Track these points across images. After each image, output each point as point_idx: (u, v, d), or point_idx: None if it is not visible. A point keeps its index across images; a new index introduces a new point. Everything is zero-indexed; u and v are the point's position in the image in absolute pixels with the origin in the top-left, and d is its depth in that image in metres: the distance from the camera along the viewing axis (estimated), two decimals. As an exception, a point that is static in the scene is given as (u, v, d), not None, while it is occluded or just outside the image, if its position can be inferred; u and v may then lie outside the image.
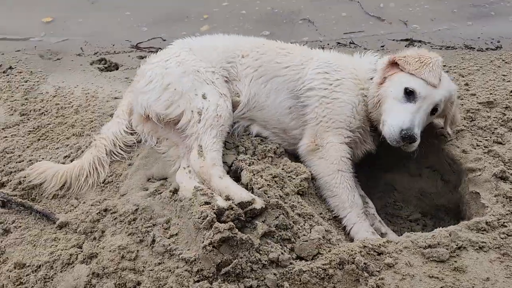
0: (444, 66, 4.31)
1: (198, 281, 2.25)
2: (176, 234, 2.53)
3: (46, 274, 2.46)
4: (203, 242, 2.29)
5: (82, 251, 2.53)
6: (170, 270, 2.33)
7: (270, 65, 3.23)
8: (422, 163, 3.51)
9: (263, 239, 2.46)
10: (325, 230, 2.62)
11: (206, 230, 2.33)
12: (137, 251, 2.48)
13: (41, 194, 3.02)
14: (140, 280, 2.34)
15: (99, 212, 2.76)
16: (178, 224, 2.59)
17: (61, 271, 2.46)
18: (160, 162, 3.09)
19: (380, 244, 2.51)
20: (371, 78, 3.11)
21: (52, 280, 2.44)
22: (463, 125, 3.38)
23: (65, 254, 2.52)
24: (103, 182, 3.03)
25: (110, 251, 2.47)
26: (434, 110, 2.94)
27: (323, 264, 2.39)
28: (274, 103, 3.19)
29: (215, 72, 3.18)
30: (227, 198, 2.56)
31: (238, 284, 2.26)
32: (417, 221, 3.44)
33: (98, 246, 2.55)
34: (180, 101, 3.04)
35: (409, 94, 2.86)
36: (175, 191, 2.82)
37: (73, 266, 2.46)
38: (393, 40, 5.11)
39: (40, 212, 2.83)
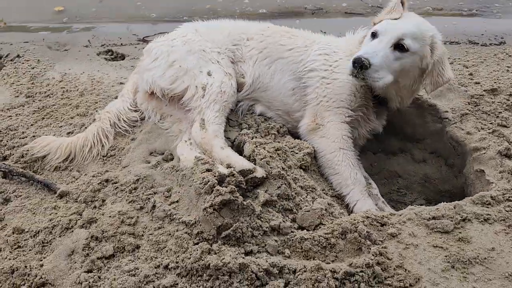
0: (449, 58, 4.34)
1: (197, 243, 2.21)
2: (177, 201, 2.51)
3: (44, 239, 2.43)
4: (203, 204, 2.26)
5: (81, 217, 2.51)
6: (169, 234, 2.30)
7: (275, 47, 3.26)
8: (426, 148, 3.49)
9: (265, 207, 2.43)
10: (328, 203, 2.59)
11: (207, 194, 2.31)
12: (137, 217, 2.45)
13: (43, 167, 3.02)
14: (139, 244, 2.31)
15: (100, 182, 2.74)
16: (179, 192, 2.57)
17: (59, 236, 2.44)
18: (163, 137, 3.09)
19: (383, 216, 2.47)
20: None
21: (50, 244, 2.41)
22: (467, 109, 3.37)
23: (64, 220, 2.49)
24: (105, 156, 3.03)
25: (109, 216, 2.45)
26: (399, 46, 2.76)
27: (325, 233, 2.36)
28: (278, 84, 3.20)
29: (220, 53, 3.23)
30: (228, 167, 2.57)
31: (238, 248, 2.22)
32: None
33: (98, 213, 2.53)
34: (184, 77, 3.08)
35: (373, 36, 2.86)
36: (177, 162, 2.81)
37: (72, 231, 2.43)
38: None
39: (41, 182, 2.82)
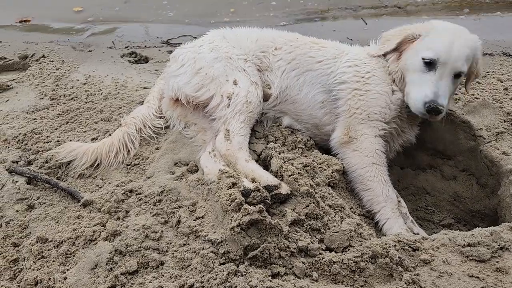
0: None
1: (223, 263, 2.15)
2: (202, 217, 2.45)
3: (68, 250, 2.40)
4: (231, 223, 2.20)
5: (105, 229, 2.47)
6: (195, 251, 2.25)
7: (304, 59, 3.18)
8: (458, 166, 3.37)
9: (292, 226, 2.36)
10: (357, 224, 2.50)
11: (234, 212, 2.24)
12: (162, 231, 2.40)
13: (67, 174, 3.00)
14: (163, 260, 2.26)
15: (124, 193, 2.70)
16: (204, 207, 2.51)
17: (83, 248, 2.40)
18: (188, 147, 3.04)
19: (415, 240, 2.37)
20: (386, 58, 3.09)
21: (73, 255, 2.38)
22: (503, 127, 3.23)
23: (88, 231, 2.46)
24: (129, 164, 2.99)
25: (134, 230, 2.40)
26: (458, 75, 2.81)
27: (354, 257, 2.27)
28: (306, 97, 3.12)
29: (247, 60, 3.17)
30: (253, 181, 2.51)
31: (265, 270, 2.15)
32: (450, 226, 3.27)
33: (122, 225, 2.49)
34: (210, 85, 3.03)
35: (428, 64, 2.78)
36: (202, 175, 2.75)
37: (96, 243, 2.40)
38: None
39: (65, 190, 2.79)
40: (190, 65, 3.11)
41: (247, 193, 2.37)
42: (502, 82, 3.98)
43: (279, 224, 2.26)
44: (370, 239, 2.43)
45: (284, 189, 2.49)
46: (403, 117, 3.00)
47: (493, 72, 4.19)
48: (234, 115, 2.91)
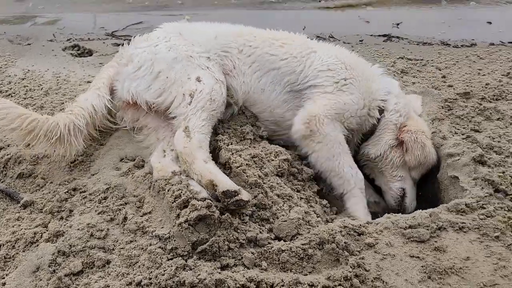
0: (421, 60, 4.39)
1: (171, 259, 2.13)
2: (150, 212, 2.41)
3: (6, 254, 2.29)
4: (178, 219, 2.17)
5: (47, 230, 2.37)
6: (142, 248, 2.21)
7: (265, 59, 3.08)
8: (401, 151, 3.50)
9: (241, 218, 2.37)
10: (305, 212, 2.55)
11: (180, 209, 2.22)
12: (107, 229, 2.34)
13: (5, 174, 2.85)
14: (109, 259, 2.20)
15: (68, 191, 2.61)
16: (151, 202, 2.47)
17: (23, 251, 2.30)
18: (134, 143, 2.97)
19: (360, 225, 2.45)
20: (380, 106, 3.10)
21: (13, 259, 2.27)
22: (441, 113, 3.39)
23: (28, 233, 2.36)
24: (72, 162, 2.87)
25: (78, 229, 2.32)
26: None
27: (302, 244, 2.31)
28: (270, 96, 3.07)
29: (210, 58, 3.02)
30: (211, 184, 2.38)
31: (214, 262, 2.15)
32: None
33: (65, 225, 2.40)
34: (172, 88, 2.86)
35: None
36: (150, 171, 2.69)
37: (37, 245, 2.30)
38: (371, 35, 5.13)
39: (3, 191, 2.66)
40: (148, 68, 2.91)
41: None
42: (440, 70, 4.17)
43: (229, 217, 2.25)
44: (318, 226, 2.49)
45: (245, 195, 2.37)
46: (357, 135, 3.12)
47: (432, 60, 4.39)
48: (195, 112, 2.74)
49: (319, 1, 5.84)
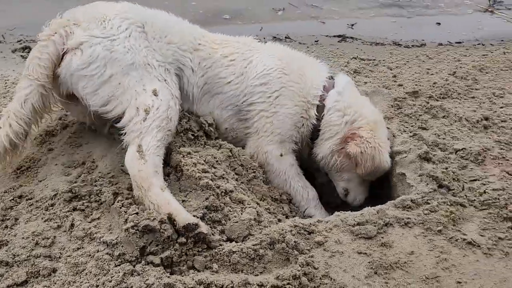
0: (374, 60, 4.51)
1: (119, 265, 2.10)
2: (98, 218, 2.37)
3: None
4: (126, 224, 2.15)
5: (-10, 240, 2.29)
6: (90, 255, 2.17)
7: (215, 81, 2.97)
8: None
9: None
10: (257, 213, 2.57)
11: (128, 215, 2.20)
12: (54, 237, 2.29)
13: None
14: (56, 267, 2.15)
15: (13, 199, 2.53)
16: (100, 208, 2.42)
17: (-38, 263, 2.21)
18: (84, 148, 2.90)
19: (310, 223, 2.50)
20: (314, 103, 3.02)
21: (-50, 273, 2.18)
22: (390, 112, 3.50)
23: (-32, 245, 2.27)
24: (18, 169, 2.78)
25: (22, 238, 2.26)
26: None
27: (253, 245, 2.34)
28: (219, 119, 3.02)
29: (169, 71, 2.79)
30: (170, 217, 2.25)
31: (163, 267, 2.14)
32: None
33: (9, 234, 2.32)
34: (123, 97, 2.59)
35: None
36: (100, 176, 2.64)
37: (-22, 257, 2.21)
38: (327, 36, 5.23)
39: None
40: (99, 68, 2.58)
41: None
42: (391, 70, 4.30)
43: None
44: (270, 226, 2.52)
45: (204, 227, 2.27)
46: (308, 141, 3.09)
47: (384, 60, 4.52)
48: (151, 130, 2.51)
49: (277, 12, 5.87)
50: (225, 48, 3.04)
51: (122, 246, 2.15)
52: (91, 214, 2.40)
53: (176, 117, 2.68)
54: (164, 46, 2.83)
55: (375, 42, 5.03)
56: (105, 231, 2.28)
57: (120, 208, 2.26)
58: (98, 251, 2.16)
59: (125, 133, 2.56)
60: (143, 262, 2.12)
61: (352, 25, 5.61)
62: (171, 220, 2.24)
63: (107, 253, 2.14)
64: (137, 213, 2.19)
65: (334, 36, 5.22)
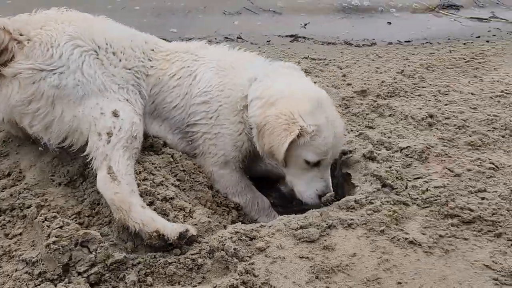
0: (324, 59, 4.50)
1: (39, 285, 1.94)
2: (20, 234, 2.20)
3: None
4: (47, 239, 1.99)
5: None
6: (7, 275, 2.00)
7: (162, 107, 2.87)
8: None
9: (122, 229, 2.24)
10: (200, 221, 2.46)
11: (50, 229, 2.04)
12: (-31, 257, 2.10)
13: None
14: (-31, 291, 1.97)
15: None
16: (23, 222, 2.25)
17: None
18: (12, 156, 2.71)
19: (252, 229, 2.42)
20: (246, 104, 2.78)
21: None
22: (338, 111, 3.46)
23: None
24: None
25: None
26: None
27: (191, 254, 2.23)
28: (172, 144, 2.93)
29: (133, 91, 2.69)
30: (158, 234, 2.20)
31: (90, 284, 2.00)
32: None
33: None
34: (82, 127, 2.45)
35: (312, 164, 2.66)
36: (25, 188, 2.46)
37: None
38: (279, 36, 5.18)
39: None
40: (46, 107, 2.40)
41: None
42: (341, 69, 4.29)
43: (108, 234, 2.11)
44: (212, 235, 2.42)
45: (193, 229, 2.29)
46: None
47: (334, 60, 4.50)
48: (116, 151, 2.39)
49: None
50: (173, 64, 2.91)
51: (43, 264, 1.99)
52: (13, 230, 2.22)
53: (141, 134, 2.60)
54: (122, 71, 2.69)
55: (326, 42, 5.02)
56: (27, 248, 2.11)
57: (43, 222, 2.09)
58: (16, 270, 1.99)
59: (91, 160, 2.42)
60: (66, 280, 1.97)
61: (305, 24, 5.59)
62: (160, 236, 2.20)
63: (26, 272, 1.98)
64: (61, 227, 2.03)
65: (286, 36, 5.17)
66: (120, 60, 2.70)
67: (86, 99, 2.46)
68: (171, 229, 2.23)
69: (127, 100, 2.60)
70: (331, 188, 2.73)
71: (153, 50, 2.94)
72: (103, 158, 2.37)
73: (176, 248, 2.23)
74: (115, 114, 2.47)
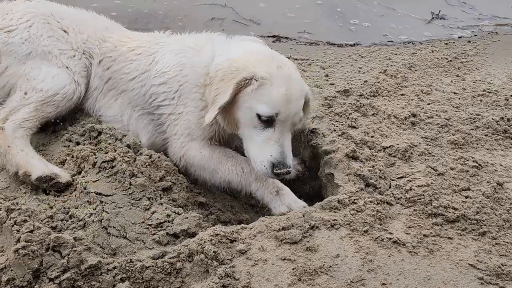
0: (307, 59, 4.46)
1: (7, 292, 1.85)
2: (-12, 239, 2.09)
3: None
4: (16, 244, 1.89)
5: None
6: (-26, 283, 1.89)
7: (119, 77, 2.89)
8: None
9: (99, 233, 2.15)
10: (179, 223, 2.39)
11: (19, 233, 1.94)
12: None
13: None
14: None
15: None
16: (-8, 226, 2.14)
17: None
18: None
19: (233, 231, 2.35)
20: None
21: None
22: (321, 111, 3.43)
23: None
24: None
25: None
26: (295, 124, 2.65)
27: (170, 258, 2.16)
28: (130, 120, 2.89)
29: (75, 59, 2.88)
30: (26, 175, 2.40)
31: (61, 290, 1.90)
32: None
33: None
34: (16, 84, 2.73)
35: (265, 121, 2.50)
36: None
37: None
38: (261, 36, 5.13)
39: None
40: None
41: None
42: (324, 69, 4.26)
43: (80, 238, 2.02)
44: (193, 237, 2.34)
45: (64, 177, 2.41)
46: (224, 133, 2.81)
47: (317, 60, 4.47)
48: (26, 107, 2.64)
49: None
50: (134, 41, 2.94)
51: (11, 270, 1.89)
52: (-19, 235, 2.11)
53: (68, 104, 2.77)
54: (73, 37, 2.92)
55: (309, 42, 4.99)
56: (-4, 254, 2.01)
57: (12, 226, 1.99)
58: (-17, 278, 1.89)
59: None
60: (36, 287, 1.87)
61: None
62: (27, 176, 2.38)
63: (-7, 280, 1.88)
64: (31, 231, 1.93)
65: (269, 36, 5.13)
66: (77, 26, 2.95)
67: (29, 59, 2.74)
68: (37, 171, 2.39)
69: (67, 67, 2.80)
70: (289, 161, 2.49)
71: (117, 29, 3.12)
72: (10, 110, 2.63)
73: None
74: (44, 79, 2.71)
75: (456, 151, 3.03)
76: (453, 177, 2.74)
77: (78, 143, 2.73)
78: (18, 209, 2.18)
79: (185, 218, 2.42)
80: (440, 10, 6.05)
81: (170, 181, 2.68)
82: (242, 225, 2.49)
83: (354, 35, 5.33)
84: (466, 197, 2.58)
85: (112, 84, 2.87)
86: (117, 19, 3.38)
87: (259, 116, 2.49)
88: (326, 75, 4.09)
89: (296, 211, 2.53)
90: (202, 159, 2.76)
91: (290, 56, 4.49)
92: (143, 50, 2.90)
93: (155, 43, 2.95)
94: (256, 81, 2.47)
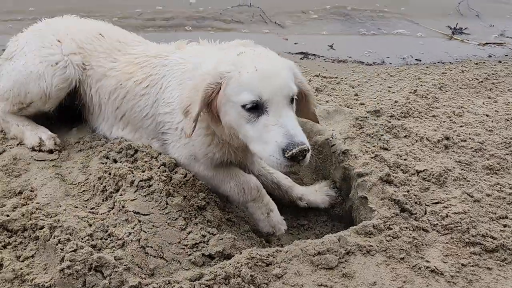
0: (336, 77, 4.46)
1: (52, 311, 1.88)
2: (32, 256, 2.13)
3: None
4: (61, 264, 1.93)
5: None
6: (19, 300, 1.93)
7: (133, 115, 2.98)
8: (315, 171, 3.48)
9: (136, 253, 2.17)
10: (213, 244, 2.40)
11: (64, 252, 1.98)
12: (-22, 282, 2.03)
13: None
14: (-21, 317, 1.90)
15: None
16: (35, 243, 2.18)
17: None
18: (23, 175, 2.65)
19: (268, 254, 2.35)
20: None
21: None
22: (352, 132, 3.41)
23: None
24: None
25: None
26: (292, 100, 2.40)
27: (207, 280, 2.16)
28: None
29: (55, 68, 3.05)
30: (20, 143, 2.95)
31: (105, 312, 1.93)
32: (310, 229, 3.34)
33: None
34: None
35: (253, 108, 2.31)
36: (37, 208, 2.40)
37: None
38: (289, 53, 5.16)
39: None
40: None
41: None
42: (353, 88, 4.26)
43: (120, 258, 2.05)
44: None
45: (48, 145, 2.90)
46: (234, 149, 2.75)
47: (346, 78, 4.47)
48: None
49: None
50: (140, 70, 2.95)
51: (56, 290, 1.92)
52: (24, 252, 2.15)
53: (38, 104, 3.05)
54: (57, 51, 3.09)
55: (337, 60, 5.00)
56: (39, 272, 2.04)
57: (56, 245, 2.02)
58: (28, 296, 1.93)
59: None
60: (80, 307, 1.91)
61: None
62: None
63: (38, 298, 1.91)
64: (74, 250, 1.97)
65: (297, 53, 5.15)
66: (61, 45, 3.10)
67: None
68: (28, 141, 2.93)
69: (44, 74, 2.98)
70: (299, 138, 2.18)
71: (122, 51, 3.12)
72: None
73: None
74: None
75: (492, 176, 2.99)
76: (489, 204, 2.70)
77: (115, 161, 2.77)
78: (60, 226, 2.22)
79: (220, 239, 2.43)
80: (457, 23, 6.03)
81: (205, 200, 2.70)
82: (277, 248, 2.49)
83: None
84: (504, 225, 2.54)
85: (126, 120, 3.00)
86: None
87: (244, 107, 2.30)
88: (356, 94, 4.08)
89: (282, 232, 2.84)
90: (204, 179, 2.83)
91: (319, 74, 4.52)
92: (151, 80, 2.90)
93: (162, 65, 2.91)
94: (222, 79, 2.37)
